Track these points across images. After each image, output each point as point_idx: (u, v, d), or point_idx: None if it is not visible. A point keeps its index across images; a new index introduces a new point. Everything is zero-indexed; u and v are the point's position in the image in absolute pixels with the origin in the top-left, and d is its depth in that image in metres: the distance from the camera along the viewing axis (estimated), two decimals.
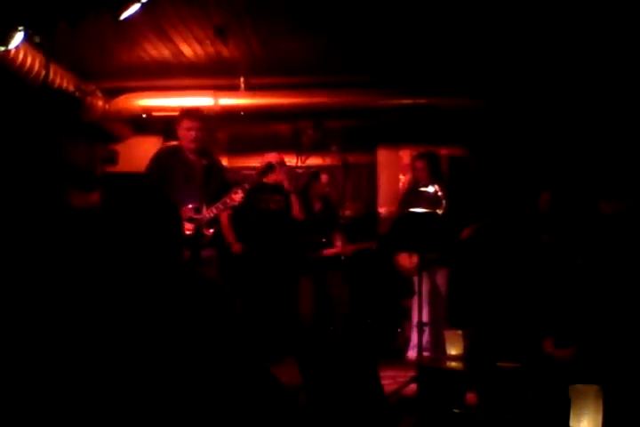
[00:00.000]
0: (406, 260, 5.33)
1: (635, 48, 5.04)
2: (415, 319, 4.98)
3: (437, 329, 4.92)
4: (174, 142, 4.88)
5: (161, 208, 1.76)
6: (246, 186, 4.48)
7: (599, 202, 3.79)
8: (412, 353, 5.25)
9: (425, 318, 4.90)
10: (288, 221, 5.51)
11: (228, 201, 4.45)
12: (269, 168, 5.12)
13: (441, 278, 5.31)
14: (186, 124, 4.51)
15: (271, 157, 5.46)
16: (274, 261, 5.49)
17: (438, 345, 4.69)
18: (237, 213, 5.12)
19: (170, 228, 1.75)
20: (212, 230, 4.50)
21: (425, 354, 4.76)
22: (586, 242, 3.65)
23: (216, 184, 4.60)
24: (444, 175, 5.97)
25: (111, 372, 1.54)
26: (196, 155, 4.58)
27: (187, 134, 4.52)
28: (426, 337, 5.01)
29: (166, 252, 1.72)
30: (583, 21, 4.75)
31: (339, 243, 5.58)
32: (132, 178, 5.91)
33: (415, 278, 4.85)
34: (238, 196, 4.42)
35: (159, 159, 4.59)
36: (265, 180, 5.24)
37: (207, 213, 4.45)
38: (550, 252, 4.23)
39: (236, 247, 5.26)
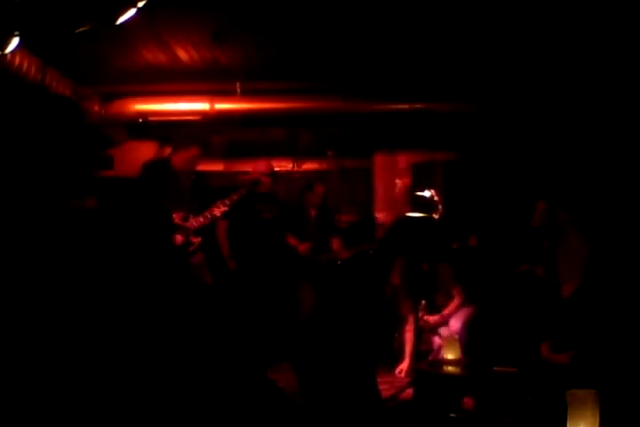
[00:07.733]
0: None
1: (629, 51, 5.06)
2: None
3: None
4: (165, 152, 5.11)
5: (154, 212, 1.77)
6: (234, 197, 4.71)
7: None
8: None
9: None
10: (283, 231, 5.55)
11: (210, 214, 4.67)
12: (256, 184, 5.23)
13: None
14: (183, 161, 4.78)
15: (261, 165, 5.49)
16: (270, 269, 5.49)
17: None
18: (233, 224, 5.24)
19: (163, 230, 1.75)
20: (199, 238, 4.65)
21: None
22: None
23: (202, 195, 4.79)
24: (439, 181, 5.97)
25: (107, 372, 1.54)
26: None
27: (182, 164, 4.78)
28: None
29: (159, 254, 1.73)
30: (576, 27, 4.77)
31: (336, 248, 5.59)
32: (127, 183, 5.92)
33: None
34: (221, 209, 4.67)
35: (147, 170, 4.74)
36: (257, 190, 5.33)
37: (194, 222, 4.61)
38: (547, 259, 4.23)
39: (231, 265, 5.29)
